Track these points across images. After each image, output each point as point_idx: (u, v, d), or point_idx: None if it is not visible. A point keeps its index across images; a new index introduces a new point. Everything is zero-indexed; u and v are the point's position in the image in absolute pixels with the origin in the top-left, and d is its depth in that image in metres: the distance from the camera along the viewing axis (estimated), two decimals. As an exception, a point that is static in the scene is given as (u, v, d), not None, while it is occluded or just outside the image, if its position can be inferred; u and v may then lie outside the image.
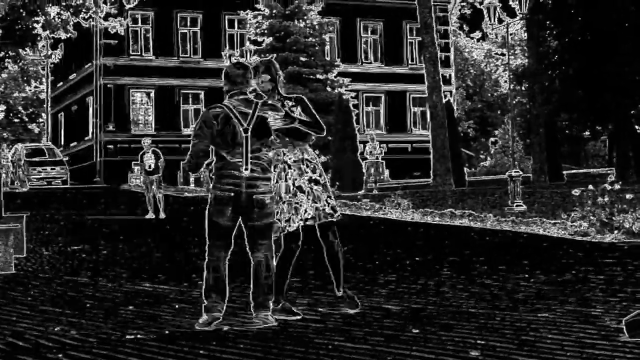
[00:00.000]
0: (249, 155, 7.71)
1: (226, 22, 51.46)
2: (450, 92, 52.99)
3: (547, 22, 35.87)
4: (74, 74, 54.96)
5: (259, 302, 7.68)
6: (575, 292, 9.39)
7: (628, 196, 16.73)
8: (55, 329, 7.58)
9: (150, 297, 9.59)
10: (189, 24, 51.14)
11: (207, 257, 7.79)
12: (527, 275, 10.87)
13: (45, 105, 64.46)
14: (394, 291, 9.76)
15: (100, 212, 25.01)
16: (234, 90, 8.01)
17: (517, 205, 23.03)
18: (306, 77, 42.75)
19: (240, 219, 7.76)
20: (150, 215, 23.44)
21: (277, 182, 8.06)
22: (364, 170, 34.19)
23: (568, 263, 12.31)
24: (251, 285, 7.79)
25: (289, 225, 8.09)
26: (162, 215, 23.51)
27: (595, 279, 10.48)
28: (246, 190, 7.66)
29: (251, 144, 7.74)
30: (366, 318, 7.90)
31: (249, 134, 7.77)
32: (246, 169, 7.66)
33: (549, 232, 17.53)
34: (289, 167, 8.19)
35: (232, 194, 7.65)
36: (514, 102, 34.16)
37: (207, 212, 7.84)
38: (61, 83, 58.83)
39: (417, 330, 7.18)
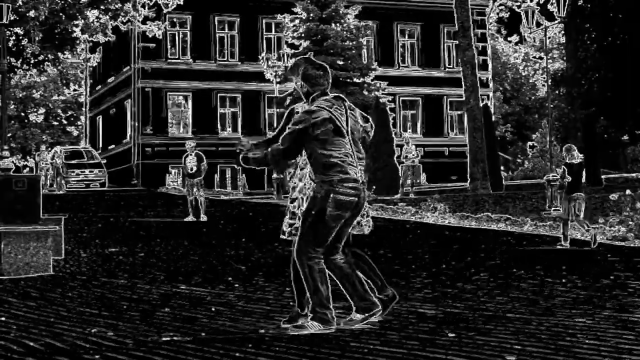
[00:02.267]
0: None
1: (263, 25, 51.56)
2: (488, 95, 52.77)
3: (586, 26, 35.64)
4: (112, 77, 55.32)
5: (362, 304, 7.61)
6: (612, 297, 9.32)
7: (667, 201, 16.61)
8: (93, 331, 7.62)
9: (186, 299, 9.62)
10: (226, 27, 51.30)
11: (309, 264, 7.43)
12: (564, 280, 10.81)
13: (84, 108, 64.92)
14: (430, 295, 9.73)
15: (139, 215, 25.14)
16: (315, 91, 7.69)
17: (554, 210, 22.90)
18: (343, 81, 42.75)
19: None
20: (191, 218, 23.45)
21: None
22: (400, 174, 34.12)
23: (606, 268, 12.22)
24: (348, 288, 7.66)
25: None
26: (204, 217, 23.49)
27: (633, 284, 10.40)
28: (362, 195, 7.49)
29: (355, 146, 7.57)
30: (402, 322, 7.88)
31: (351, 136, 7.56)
32: (360, 175, 7.48)
33: (586, 237, 17.41)
34: None
35: (356, 198, 7.41)
36: (552, 105, 33.96)
37: (316, 216, 7.41)
38: (100, 86, 59.22)
39: (453, 335, 7.16)
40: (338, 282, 7.65)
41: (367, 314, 7.62)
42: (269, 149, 7.55)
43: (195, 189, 23.79)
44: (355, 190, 7.39)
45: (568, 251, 15.24)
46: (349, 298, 7.67)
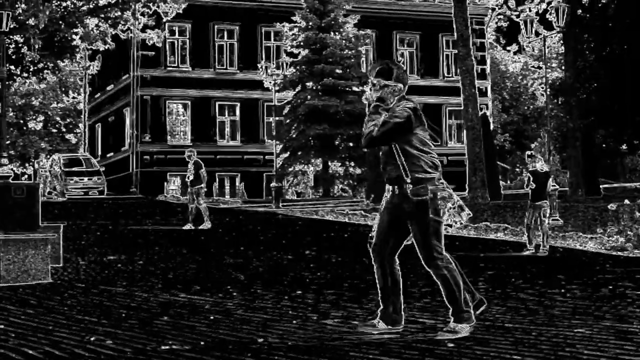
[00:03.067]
0: None
1: (262, 34, 51.61)
2: (486, 104, 52.81)
3: (585, 36, 35.70)
4: (111, 85, 55.34)
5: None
6: (612, 307, 9.32)
7: (666, 211, 16.63)
8: (91, 339, 7.61)
9: (185, 307, 9.61)
10: (225, 35, 51.34)
11: (447, 267, 7.54)
12: (563, 290, 10.81)
13: (82, 116, 64.95)
14: (428, 304, 9.72)
15: (138, 223, 25.12)
16: (404, 92, 7.73)
17: (553, 220, 22.94)
18: (342, 89, 42.80)
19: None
20: (189, 226, 23.38)
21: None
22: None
23: (605, 278, 12.22)
24: (395, 296, 7.75)
25: None
26: (208, 224, 23.35)
27: (632, 294, 10.39)
28: None
29: None
30: (401, 331, 7.87)
31: None
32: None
33: (585, 246, 17.42)
34: None
35: None
36: (551, 115, 33.98)
37: (436, 217, 7.50)
38: (99, 94, 59.26)
39: (452, 345, 7.15)
40: (385, 288, 7.72)
41: (389, 326, 7.74)
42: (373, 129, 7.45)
43: (193, 197, 23.75)
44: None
45: (567, 261, 15.24)
46: (382, 304, 7.75)
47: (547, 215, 16.92)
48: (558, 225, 22.01)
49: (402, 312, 7.81)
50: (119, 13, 39.08)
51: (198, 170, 23.82)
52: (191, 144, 46.28)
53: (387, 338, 7.54)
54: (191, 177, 23.95)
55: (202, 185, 23.92)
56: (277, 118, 43.59)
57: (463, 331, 7.41)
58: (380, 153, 7.69)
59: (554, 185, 24.20)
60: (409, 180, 7.45)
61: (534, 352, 6.84)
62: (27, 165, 70.39)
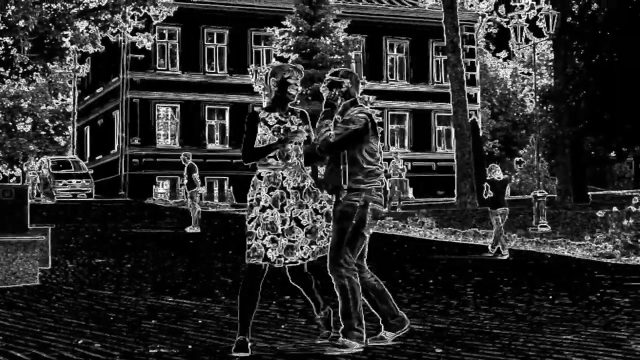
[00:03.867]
0: None
1: (252, 38, 51.58)
2: (476, 111, 52.84)
3: (575, 43, 35.78)
4: (101, 88, 55.24)
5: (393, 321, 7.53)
6: (600, 314, 9.34)
7: (654, 219, 16.68)
8: (79, 342, 7.60)
9: (173, 311, 9.60)
10: (215, 39, 51.30)
11: (348, 276, 7.26)
12: (551, 297, 10.83)
13: (71, 119, 64.82)
14: (417, 310, 9.73)
15: (126, 226, 25.07)
16: (357, 98, 7.79)
17: (541, 226, 22.97)
18: (332, 95, 42.75)
19: None
20: (189, 228, 23.39)
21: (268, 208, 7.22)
22: (387, 189, 34.13)
23: (593, 285, 12.25)
24: (380, 305, 7.56)
25: (277, 262, 7.19)
26: (194, 229, 23.35)
27: (620, 301, 10.42)
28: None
29: None
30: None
31: None
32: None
33: (573, 253, 17.46)
34: (287, 195, 7.30)
35: (385, 209, 7.56)
36: (540, 122, 34.05)
37: (358, 225, 7.33)
38: (88, 97, 59.14)
39: (440, 350, 7.16)
40: (367, 301, 7.54)
41: (398, 331, 7.59)
42: (316, 144, 7.44)
43: (189, 201, 23.87)
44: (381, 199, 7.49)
45: (555, 267, 15.26)
46: (379, 315, 7.60)
47: (504, 220, 17.46)
48: (546, 232, 22.05)
49: (400, 311, 7.68)
50: (109, 16, 38.99)
51: (191, 174, 23.86)
52: (180, 148, 46.22)
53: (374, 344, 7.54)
54: (185, 181, 24.06)
55: (196, 189, 23.93)
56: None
57: (353, 347, 7.15)
58: (327, 159, 7.57)
59: (542, 192, 24.25)
60: (345, 187, 7.37)
61: (522, 358, 6.86)
62: (15, 167, 70.19)
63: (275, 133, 7.25)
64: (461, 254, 17.77)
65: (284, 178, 7.23)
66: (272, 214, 7.11)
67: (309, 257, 7.22)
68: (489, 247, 17.67)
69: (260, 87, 7.74)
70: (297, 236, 7.15)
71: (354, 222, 7.31)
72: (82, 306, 10.18)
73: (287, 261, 7.15)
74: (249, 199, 7.23)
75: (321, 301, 7.62)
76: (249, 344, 7.01)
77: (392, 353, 7.05)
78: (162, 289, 11.72)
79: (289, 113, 7.45)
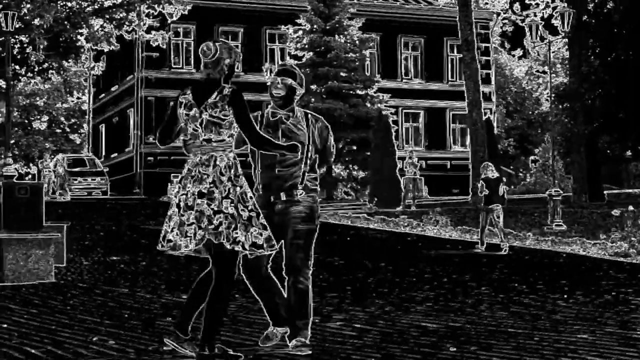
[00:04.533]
0: None
1: (267, 36, 51.61)
2: (491, 109, 52.76)
3: (590, 41, 35.66)
4: (116, 86, 55.37)
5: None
6: (615, 314, 9.31)
7: (669, 217, 16.64)
8: (94, 339, 7.62)
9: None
10: (229, 38, 51.33)
11: (309, 278, 7.19)
12: (566, 296, 10.80)
13: (87, 117, 64.98)
14: (431, 309, 9.72)
15: (141, 223, 25.11)
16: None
17: (556, 225, 22.91)
18: (346, 93, 42.76)
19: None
20: None
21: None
22: (402, 187, 34.11)
23: (608, 284, 12.21)
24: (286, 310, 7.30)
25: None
26: None
27: (635, 300, 10.38)
28: None
29: None
30: (403, 335, 7.87)
31: None
32: None
33: (588, 252, 17.42)
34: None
35: None
36: (555, 120, 33.95)
37: (317, 225, 7.31)
38: (103, 95, 59.27)
39: (454, 349, 7.15)
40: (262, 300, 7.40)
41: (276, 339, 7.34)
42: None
43: None
44: None
45: (570, 266, 15.22)
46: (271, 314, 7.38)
47: (500, 216, 18.10)
48: (561, 231, 21.99)
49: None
50: (124, 14, 39.09)
51: None
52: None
53: (389, 341, 7.53)
54: None
55: None
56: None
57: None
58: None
59: (557, 191, 24.20)
60: (301, 187, 7.23)
61: (537, 357, 6.84)
62: (31, 165, 70.41)
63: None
64: (476, 253, 17.74)
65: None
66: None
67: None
68: (501, 244, 17.86)
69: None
70: None
71: (315, 223, 7.22)
72: (97, 303, 10.20)
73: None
74: (236, 185, 6.56)
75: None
76: None
77: (407, 352, 7.04)
78: (177, 286, 11.73)
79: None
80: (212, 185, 6.51)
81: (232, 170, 6.56)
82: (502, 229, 18.06)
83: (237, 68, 7.06)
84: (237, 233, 6.44)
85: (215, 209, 6.45)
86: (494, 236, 18.42)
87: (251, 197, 6.59)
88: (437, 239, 21.25)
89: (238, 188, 6.52)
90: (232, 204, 6.47)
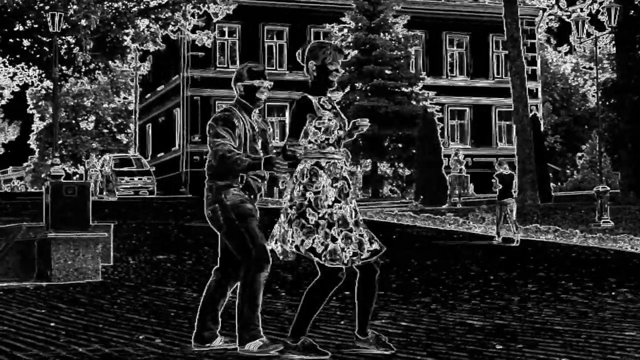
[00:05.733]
0: None
1: (312, 35, 51.66)
2: (537, 106, 52.42)
3: (637, 36, 35.30)
4: (162, 86, 55.71)
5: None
6: (663, 311, 9.21)
7: None
8: (140, 337, 7.67)
9: (233, 307, 9.64)
10: (275, 36, 51.48)
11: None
12: (613, 293, 10.70)
13: (133, 116, 65.46)
14: (477, 306, 9.68)
15: (188, 222, 25.22)
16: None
17: (604, 222, 22.72)
18: (391, 90, 42.70)
19: None
20: None
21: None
22: (447, 184, 33.99)
23: (656, 281, 12.09)
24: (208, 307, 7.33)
25: (350, 261, 6.57)
26: None
27: (684, 297, 10.27)
28: None
29: None
30: (449, 333, 7.84)
31: None
32: None
33: (636, 249, 17.25)
34: (348, 185, 6.78)
35: None
36: (602, 116, 33.66)
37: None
38: (149, 94, 59.67)
39: (500, 347, 7.11)
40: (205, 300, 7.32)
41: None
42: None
43: None
44: None
45: (618, 263, 15.08)
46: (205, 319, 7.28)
47: (514, 209, 19.29)
48: (609, 228, 21.80)
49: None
50: (170, 14, 39.32)
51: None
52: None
53: (435, 338, 7.51)
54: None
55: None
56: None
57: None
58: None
59: (605, 187, 24.00)
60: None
61: (583, 354, 6.79)
62: (78, 165, 71.08)
63: (336, 118, 6.86)
64: (522, 251, 17.65)
65: (341, 168, 6.73)
66: (339, 208, 6.60)
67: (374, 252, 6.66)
68: (512, 236, 19.10)
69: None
70: (362, 229, 6.70)
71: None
72: (143, 302, 10.27)
73: (362, 258, 6.59)
74: (309, 190, 6.59)
75: (369, 320, 6.92)
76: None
77: (452, 349, 7.02)
78: (223, 285, 11.76)
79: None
80: (291, 189, 6.70)
81: (306, 178, 6.62)
82: (514, 222, 19.17)
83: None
84: (291, 236, 6.61)
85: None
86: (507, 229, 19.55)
87: (330, 206, 6.56)
88: (483, 236, 21.15)
89: (310, 194, 6.56)
90: (295, 207, 6.58)
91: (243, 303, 6.91)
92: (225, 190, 6.95)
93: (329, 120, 6.79)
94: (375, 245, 6.67)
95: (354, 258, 6.55)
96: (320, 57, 7.10)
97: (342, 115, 7.03)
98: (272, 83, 7.45)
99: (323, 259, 6.53)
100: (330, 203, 6.57)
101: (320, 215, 6.52)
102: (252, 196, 7.07)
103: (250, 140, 7.02)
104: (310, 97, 6.96)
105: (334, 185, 6.63)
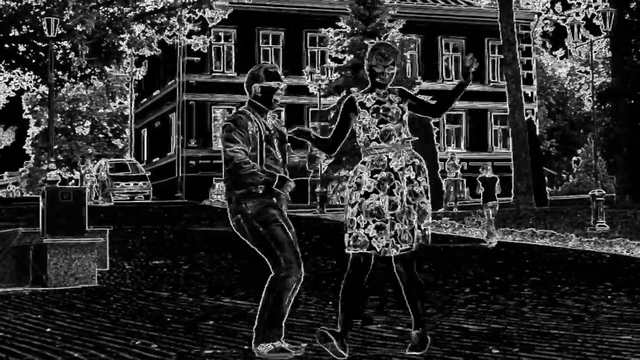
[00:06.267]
0: None
1: (307, 39, 51.70)
2: (532, 110, 52.48)
3: (633, 40, 35.35)
4: (157, 91, 55.71)
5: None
6: (659, 314, 9.22)
7: None
8: (136, 342, 7.66)
9: (230, 312, 9.64)
10: (270, 41, 51.50)
11: None
12: (609, 297, 10.71)
13: (129, 121, 65.45)
14: (473, 311, 9.68)
15: (183, 227, 25.22)
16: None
17: (599, 226, 22.72)
18: (387, 95, 42.67)
19: None
20: None
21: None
22: (443, 188, 34.00)
23: (652, 285, 12.09)
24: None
25: (383, 251, 6.73)
26: None
27: (680, 301, 10.27)
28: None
29: None
30: (445, 337, 7.84)
31: None
32: None
33: (632, 253, 17.26)
34: (396, 176, 6.83)
35: None
36: (597, 120, 33.69)
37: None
38: (145, 99, 59.67)
39: (497, 351, 7.11)
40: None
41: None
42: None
43: None
44: None
45: (613, 267, 15.09)
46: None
47: (495, 212, 20.00)
48: (604, 232, 21.81)
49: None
50: (165, 19, 39.36)
51: None
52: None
53: (431, 342, 7.51)
54: None
55: None
56: (322, 123, 43.49)
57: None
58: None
59: (600, 191, 24.02)
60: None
61: (579, 358, 6.79)
62: (74, 170, 71.05)
63: (374, 114, 6.97)
64: (518, 255, 17.64)
65: (389, 160, 6.76)
66: (377, 199, 6.67)
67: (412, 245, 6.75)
68: (485, 239, 19.80)
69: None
70: (412, 220, 6.72)
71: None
72: (139, 307, 10.26)
73: (397, 249, 6.71)
74: (347, 184, 6.88)
75: (422, 313, 7.00)
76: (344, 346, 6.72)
77: (449, 354, 7.02)
78: (219, 290, 11.77)
79: (388, 92, 7.19)
80: None
81: (351, 176, 6.89)
82: (493, 224, 19.75)
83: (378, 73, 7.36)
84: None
85: None
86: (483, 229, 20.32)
87: (362, 195, 6.73)
88: (479, 240, 21.15)
89: (354, 191, 6.78)
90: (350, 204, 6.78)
91: (266, 306, 6.90)
92: (245, 200, 6.92)
93: (363, 118, 6.98)
94: (417, 235, 6.77)
95: (386, 248, 6.69)
96: (369, 59, 7.41)
97: (395, 105, 7.08)
98: (286, 85, 7.50)
99: (347, 247, 6.76)
100: (363, 193, 6.72)
101: (352, 204, 6.75)
102: (275, 198, 6.97)
103: (265, 142, 7.00)
104: (353, 95, 7.22)
105: (374, 176, 6.74)
